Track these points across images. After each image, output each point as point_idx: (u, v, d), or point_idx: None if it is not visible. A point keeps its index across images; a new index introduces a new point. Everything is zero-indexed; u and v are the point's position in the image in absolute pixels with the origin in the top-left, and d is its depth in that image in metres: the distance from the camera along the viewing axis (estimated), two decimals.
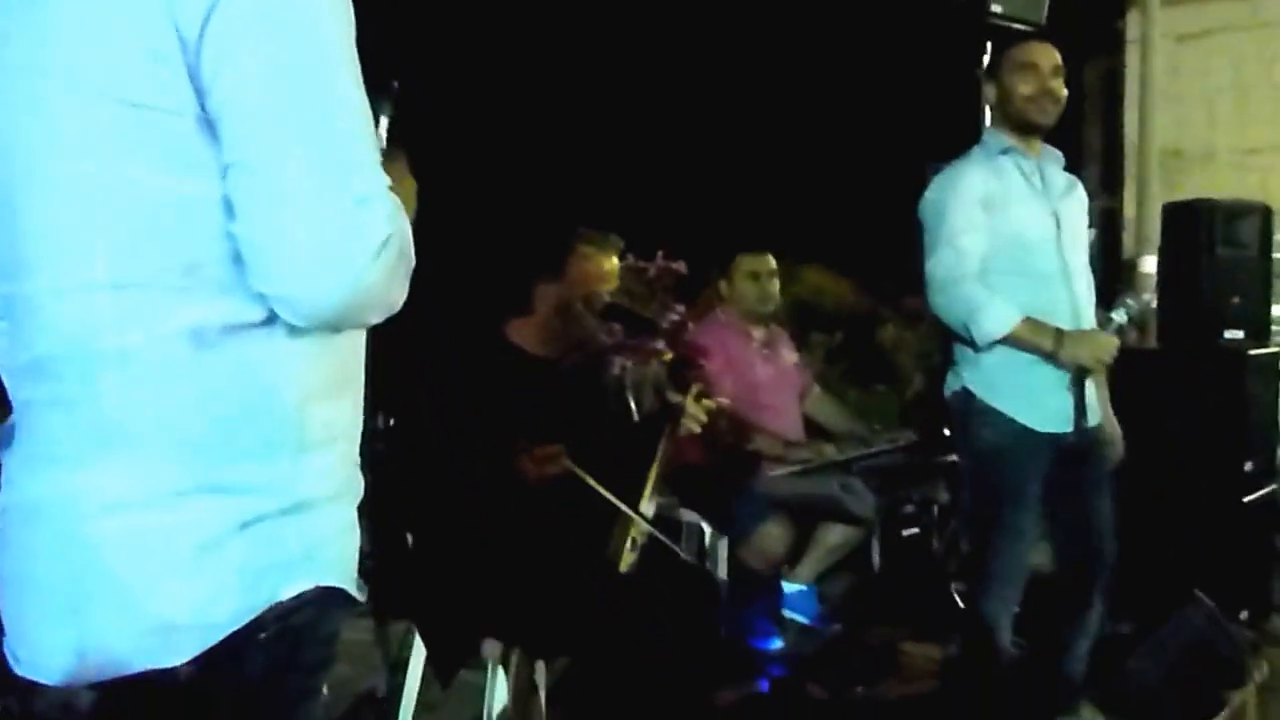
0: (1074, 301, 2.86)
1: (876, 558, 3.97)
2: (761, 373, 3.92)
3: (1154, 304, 4.49)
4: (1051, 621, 2.96)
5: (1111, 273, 6.57)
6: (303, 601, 1.19)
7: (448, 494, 2.56)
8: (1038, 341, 2.74)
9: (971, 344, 2.80)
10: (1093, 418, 2.86)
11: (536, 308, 2.76)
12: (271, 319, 1.16)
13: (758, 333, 4.01)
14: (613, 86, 8.05)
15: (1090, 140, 7.54)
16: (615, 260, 2.77)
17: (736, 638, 3.45)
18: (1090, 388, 2.83)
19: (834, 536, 3.69)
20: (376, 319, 1.23)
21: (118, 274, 1.14)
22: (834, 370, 6.15)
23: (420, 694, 3.24)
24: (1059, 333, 2.74)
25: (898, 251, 3.89)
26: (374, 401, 1.36)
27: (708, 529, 3.53)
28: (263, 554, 1.17)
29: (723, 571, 3.46)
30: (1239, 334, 4.16)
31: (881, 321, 6.12)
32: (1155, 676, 2.98)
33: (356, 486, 1.28)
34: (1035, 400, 2.79)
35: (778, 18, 7.78)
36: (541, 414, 2.53)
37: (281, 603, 1.18)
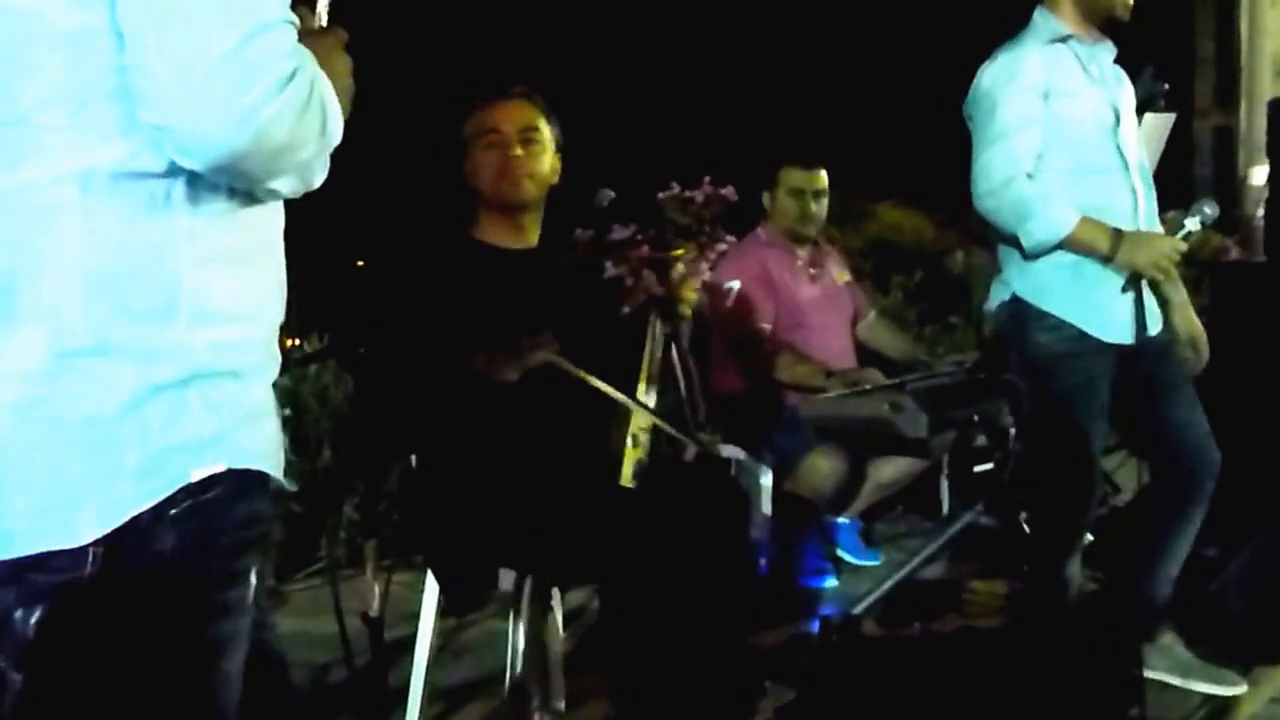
0: (1130, 201, 2.81)
1: (945, 498, 3.94)
2: (806, 293, 3.91)
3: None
4: (1139, 538, 2.92)
5: (1227, 193, 6.40)
6: (215, 481, 1.20)
7: (440, 415, 2.56)
8: (1093, 244, 2.71)
9: (1023, 250, 2.77)
10: (1154, 326, 2.82)
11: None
12: (169, 173, 1.17)
13: (802, 251, 3.99)
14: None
15: (1203, 52, 7.33)
16: (529, 108, 2.69)
17: (783, 577, 3.44)
18: (1150, 293, 2.81)
19: (887, 471, 3.68)
20: (285, 183, 1.22)
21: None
22: (914, 310, 6.12)
23: (447, 642, 3.32)
24: (1116, 235, 2.71)
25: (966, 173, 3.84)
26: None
27: (749, 462, 3.52)
28: (164, 431, 1.18)
29: (766, 507, 3.46)
30: None
31: (954, 250, 6.05)
32: (1243, 602, 2.96)
33: (270, 369, 1.30)
34: (1093, 306, 2.77)
35: None
36: (521, 312, 2.51)
37: (192, 484, 1.19)
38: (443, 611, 2.89)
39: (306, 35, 1.20)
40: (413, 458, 2.71)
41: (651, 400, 2.66)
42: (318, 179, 1.26)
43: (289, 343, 4.50)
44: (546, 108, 2.73)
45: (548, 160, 2.69)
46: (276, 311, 1.31)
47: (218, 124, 1.12)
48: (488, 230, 2.71)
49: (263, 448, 1.26)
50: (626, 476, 2.50)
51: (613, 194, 2.69)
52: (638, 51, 8.11)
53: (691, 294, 2.69)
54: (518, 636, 2.98)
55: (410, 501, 2.74)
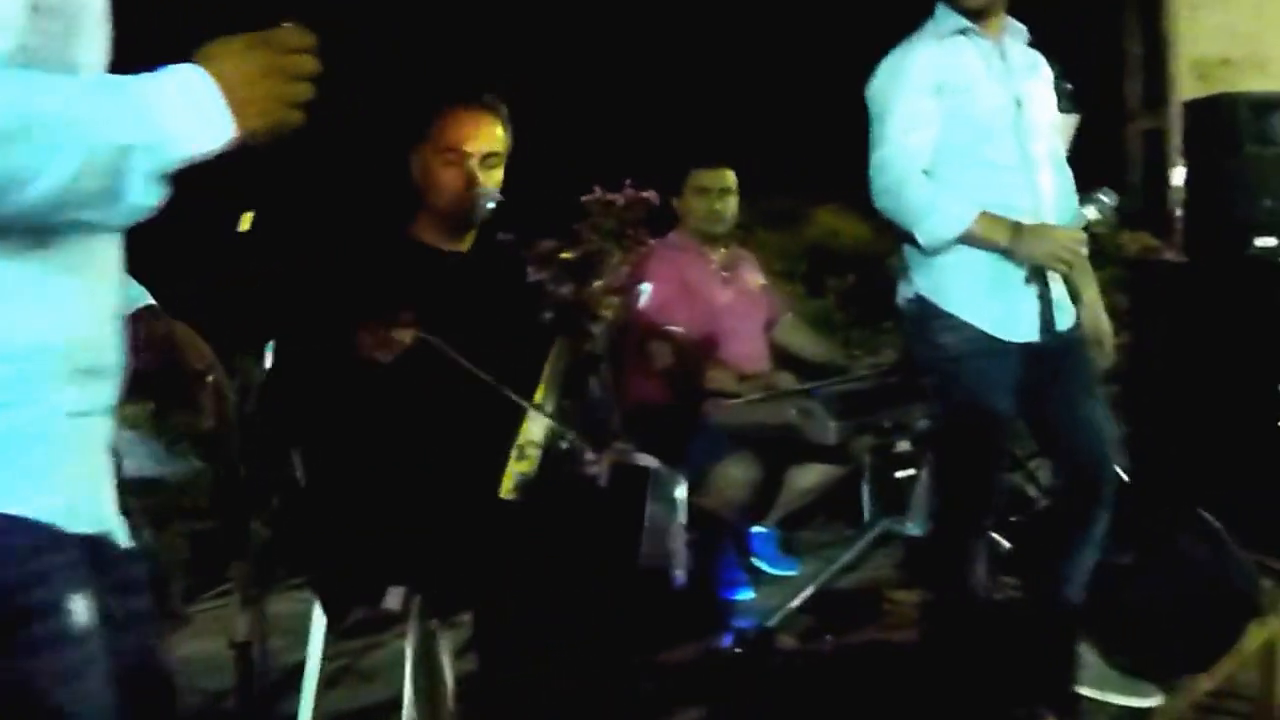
0: (1035, 194, 2.73)
1: (867, 505, 3.84)
2: (720, 297, 3.83)
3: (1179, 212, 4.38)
4: (1045, 547, 2.85)
5: (1158, 195, 6.36)
6: None
7: (333, 417, 2.46)
8: (992, 238, 2.63)
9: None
10: (1064, 320, 2.75)
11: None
12: None
13: (715, 254, 3.91)
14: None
15: (1132, 56, 7.29)
16: (493, 124, 2.59)
17: (698, 589, 3.33)
18: (1059, 287, 2.74)
19: (803, 478, 3.59)
20: (84, 213, 1.15)
21: None
22: (846, 313, 6.04)
23: (353, 662, 3.21)
24: (1016, 227, 2.62)
25: None
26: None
27: (665, 472, 3.41)
28: None
29: (681, 518, 3.35)
30: (1271, 241, 3.99)
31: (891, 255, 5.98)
32: (1157, 610, 2.86)
33: (34, 400, 1.21)
34: (997, 305, 2.68)
35: None
36: (441, 313, 2.41)
37: None
38: (346, 632, 2.77)
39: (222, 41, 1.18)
40: (297, 472, 2.60)
41: (548, 411, 2.55)
42: (131, 201, 1.16)
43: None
44: (507, 117, 2.63)
45: (500, 175, 2.61)
46: (47, 348, 1.21)
47: None
48: (425, 231, 2.63)
49: (15, 483, 1.18)
50: (506, 489, 2.39)
51: (500, 197, 2.55)
52: (579, 54, 8.03)
53: (607, 310, 2.60)
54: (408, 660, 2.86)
55: (291, 517, 2.62)
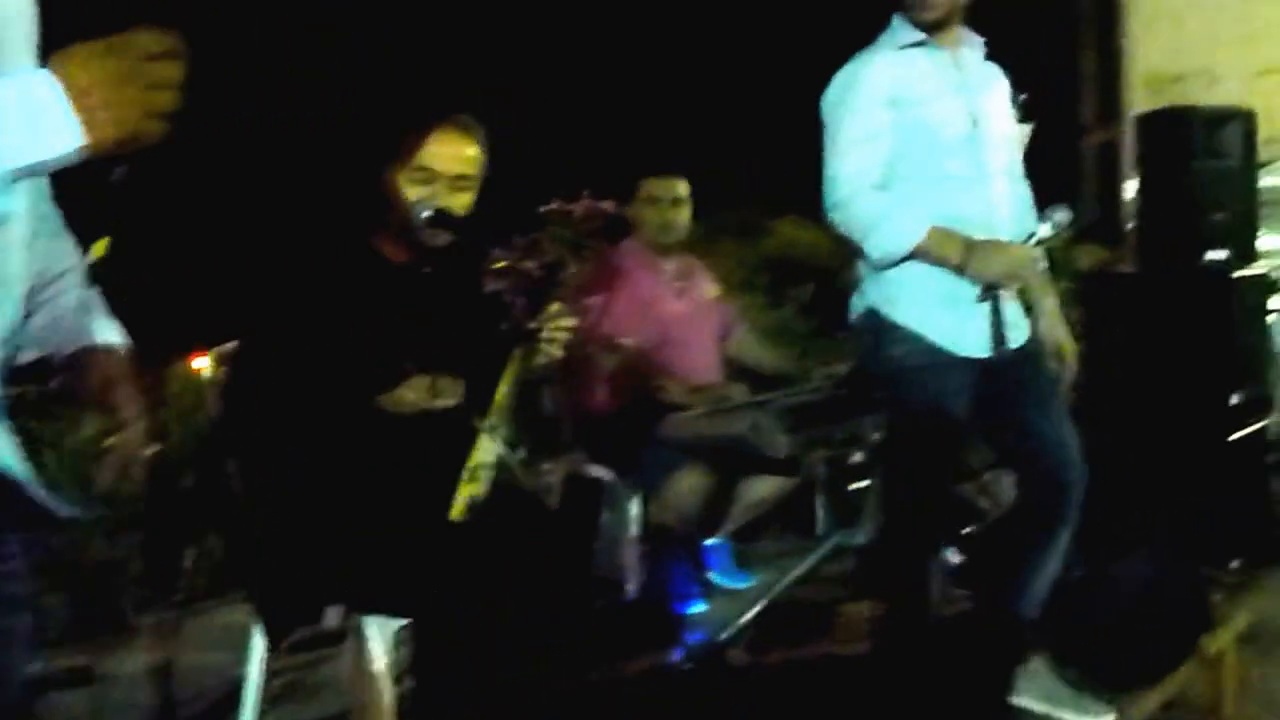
0: (990, 208, 2.70)
1: (820, 516, 3.79)
2: (672, 307, 3.75)
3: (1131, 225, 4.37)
4: (1007, 559, 2.81)
5: (1111, 209, 6.39)
6: None
7: (299, 426, 2.39)
8: (944, 255, 2.59)
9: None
10: (1017, 337, 2.71)
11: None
12: None
13: (668, 265, 3.84)
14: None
15: (1086, 70, 7.34)
16: (467, 145, 2.52)
17: (651, 602, 3.28)
18: (1012, 304, 2.71)
19: (756, 490, 3.54)
20: None
21: None
22: (809, 324, 6.01)
23: (303, 678, 3.16)
24: (968, 245, 2.59)
25: None
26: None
27: (617, 484, 3.36)
28: None
29: (634, 530, 3.30)
30: (1223, 254, 3.98)
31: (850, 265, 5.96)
32: (1107, 623, 2.81)
33: None
34: (948, 319, 2.65)
35: None
36: (402, 327, 2.39)
37: None
38: (291, 648, 2.70)
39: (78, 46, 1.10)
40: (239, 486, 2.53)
41: (500, 434, 2.49)
42: None
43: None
44: (483, 137, 2.56)
45: (468, 198, 2.54)
46: None
47: None
48: (387, 245, 2.57)
49: None
50: (457, 511, 2.33)
51: (436, 206, 2.47)
52: (539, 65, 7.99)
53: (561, 334, 2.53)
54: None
55: (234, 532, 2.55)
